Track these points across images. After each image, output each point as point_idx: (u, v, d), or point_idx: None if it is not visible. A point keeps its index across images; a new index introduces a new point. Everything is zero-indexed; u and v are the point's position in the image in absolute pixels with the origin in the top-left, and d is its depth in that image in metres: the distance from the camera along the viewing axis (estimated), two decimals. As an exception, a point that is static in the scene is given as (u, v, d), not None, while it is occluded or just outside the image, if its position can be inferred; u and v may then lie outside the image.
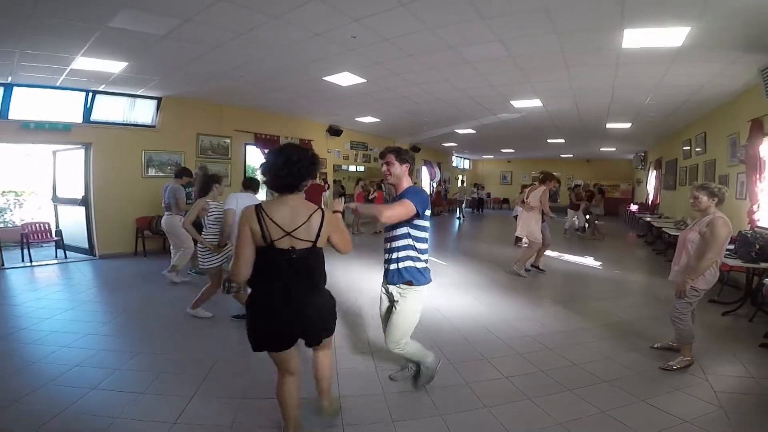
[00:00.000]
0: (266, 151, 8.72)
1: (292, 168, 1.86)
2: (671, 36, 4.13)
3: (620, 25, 3.90)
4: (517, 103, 7.67)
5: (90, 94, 6.57)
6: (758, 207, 5.78)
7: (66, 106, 6.48)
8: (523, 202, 6.38)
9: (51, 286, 5.12)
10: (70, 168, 7.12)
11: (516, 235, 6.91)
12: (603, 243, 10.08)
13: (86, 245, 6.84)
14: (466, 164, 21.28)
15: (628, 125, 9.50)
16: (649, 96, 6.78)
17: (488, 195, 20.45)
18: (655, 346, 3.51)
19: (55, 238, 6.82)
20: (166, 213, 5.47)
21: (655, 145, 12.70)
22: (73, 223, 7.01)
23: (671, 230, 7.49)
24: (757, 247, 4.34)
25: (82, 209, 6.86)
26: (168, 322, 3.89)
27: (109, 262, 6.45)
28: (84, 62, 5.12)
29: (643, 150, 14.43)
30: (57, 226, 7.20)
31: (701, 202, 3.09)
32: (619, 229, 13.19)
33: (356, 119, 9.69)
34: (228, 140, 8.29)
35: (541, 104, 7.67)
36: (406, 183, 2.48)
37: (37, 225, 6.76)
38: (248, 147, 8.81)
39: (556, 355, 3.36)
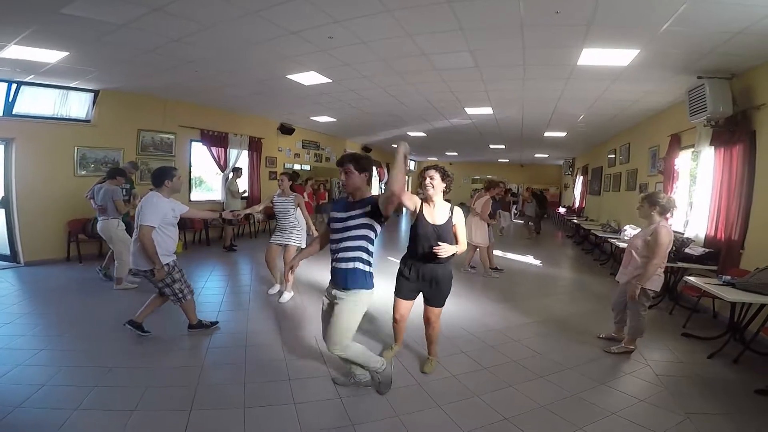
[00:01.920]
0: (212, 149, 8.35)
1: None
2: (621, 56, 4.61)
3: (582, 43, 4.31)
4: (471, 110, 8.09)
5: (13, 85, 5.82)
6: (671, 214, 6.70)
7: None
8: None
9: None
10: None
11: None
12: (538, 243, 10.97)
13: (7, 251, 5.98)
14: (411, 165, 21.82)
15: (563, 134, 10.43)
16: (582, 116, 7.49)
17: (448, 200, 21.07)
18: (601, 336, 3.93)
19: (-34, 244, 5.90)
20: (100, 217, 4.93)
21: (583, 153, 14.03)
22: (-11, 226, 6.11)
23: (599, 232, 8.38)
24: (674, 248, 4.98)
25: (1, 211, 6.01)
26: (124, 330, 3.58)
27: (39, 269, 5.72)
28: (16, 51, 4.54)
29: (571, 157, 15.89)
30: (-32, 229, 6.21)
31: (644, 210, 3.52)
32: (550, 230, 14.43)
33: (311, 118, 9.54)
34: (172, 137, 7.74)
35: (491, 111, 8.17)
36: (367, 192, 2.48)
37: (-59, 228, 5.80)
38: (194, 144, 8.31)
39: (523, 347, 3.69)
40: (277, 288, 4.96)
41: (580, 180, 13.83)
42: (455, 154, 17.06)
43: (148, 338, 3.44)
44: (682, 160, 6.45)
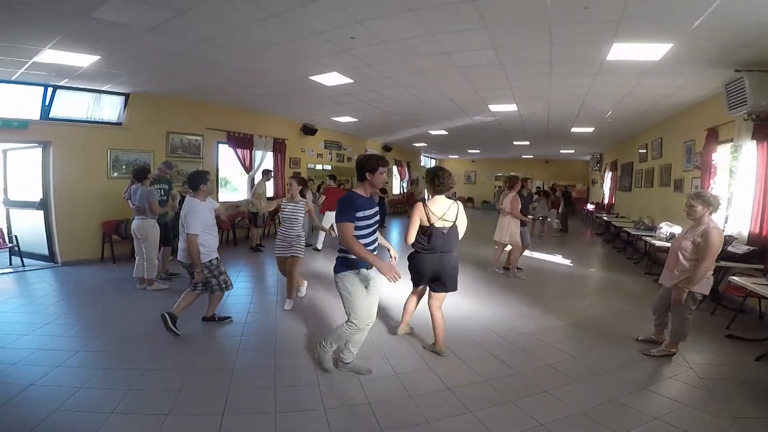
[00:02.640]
0: (238, 151, 8.48)
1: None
2: (653, 51, 4.43)
3: (612, 39, 4.15)
4: (495, 107, 7.94)
5: (49, 89, 6.05)
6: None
7: (21, 102, 5.92)
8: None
9: (17, 298, 4.67)
10: (24, 168, 6.53)
11: (494, 239, 6.44)
12: (566, 241, 10.67)
13: (46, 252, 6.26)
14: (432, 164, 21.65)
15: (591, 129, 10.10)
16: (610, 111, 7.21)
17: (454, 194, 20.84)
18: (639, 338, 3.76)
19: (9, 245, 6.19)
20: (137, 216, 4.99)
21: (611, 148, 13.57)
22: (29, 227, 6.39)
23: (631, 230, 8.09)
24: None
25: (40, 213, 6.27)
26: (161, 332, 3.65)
27: (76, 270, 5.96)
28: (50, 55, 4.72)
29: (599, 152, 15.41)
30: (9, 231, 6.53)
31: (696, 211, 3.21)
32: (578, 227, 14.01)
33: (333, 118, 9.59)
34: (200, 139, 7.92)
35: (516, 109, 7.99)
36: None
37: (-13, 230, 6.12)
38: (220, 146, 8.47)
39: (555, 350, 3.56)
40: (291, 304, 4.50)
41: (609, 176, 13.39)
42: (478, 151, 16.84)
43: (178, 340, 3.51)
44: (720, 155, 6.13)
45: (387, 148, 14.48)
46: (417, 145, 15.49)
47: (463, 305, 4.63)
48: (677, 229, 6.36)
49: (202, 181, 3.68)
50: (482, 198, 21.86)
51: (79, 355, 3.19)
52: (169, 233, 5.46)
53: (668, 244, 6.10)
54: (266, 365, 3.12)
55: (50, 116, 6.12)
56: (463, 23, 3.96)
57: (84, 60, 4.98)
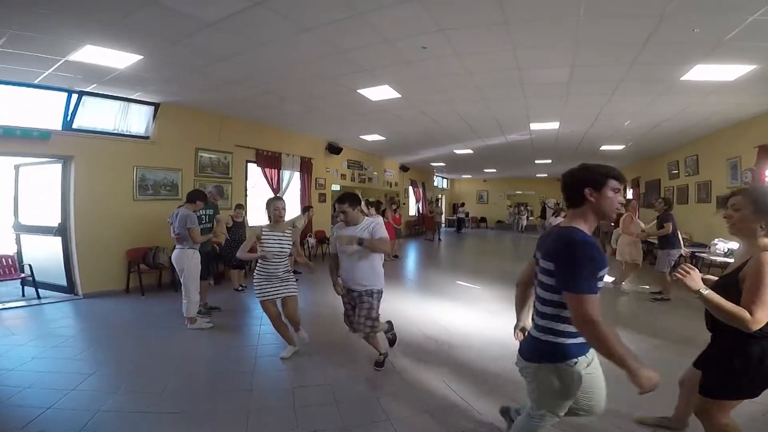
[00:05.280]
0: (266, 171, 8.01)
1: None
2: (732, 71, 4.29)
3: (699, 60, 3.96)
4: (535, 125, 7.69)
5: (74, 95, 5.44)
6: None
7: (41, 109, 5.28)
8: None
9: (37, 338, 3.97)
10: (39, 187, 5.92)
11: (617, 258, 6.69)
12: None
13: (64, 282, 5.64)
14: (445, 184, 21.42)
15: (620, 147, 9.90)
16: (628, 120, 7.05)
17: (467, 214, 20.60)
18: None
19: (22, 275, 5.58)
20: (178, 246, 4.38)
21: (631, 166, 13.44)
22: (45, 254, 5.76)
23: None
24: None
25: (58, 239, 5.68)
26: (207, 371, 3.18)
27: (100, 302, 5.34)
28: (89, 53, 4.15)
29: (616, 170, 15.24)
30: (20, 259, 5.89)
31: None
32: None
33: (361, 137, 9.23)
34: (229, 156, 7.46)
35: (557, 126, 7.74)
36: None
37: (-3, 259, 5.49)
38: (249, 166, 7.99)
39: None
40: (291, 350, 3.60)
41: (630, 193, 13.20)
42: (494, 170, 16.60)
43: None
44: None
45: (404, 168, 14.15)
46: (435, 164, 15.21)
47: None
48: (733, 245, 6.25)
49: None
50: (495, 218, 21.58)
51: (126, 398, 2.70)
52: (211, 264, 4.91)
53: (730, 260, 5.94)
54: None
55: (74, 126, 5.53)
56: (554, 39, 3.71)
57: (124, 60, 4.40)
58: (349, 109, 6.67)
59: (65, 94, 5.41)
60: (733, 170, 7.07)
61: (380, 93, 5.73)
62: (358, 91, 5.64)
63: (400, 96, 5.84)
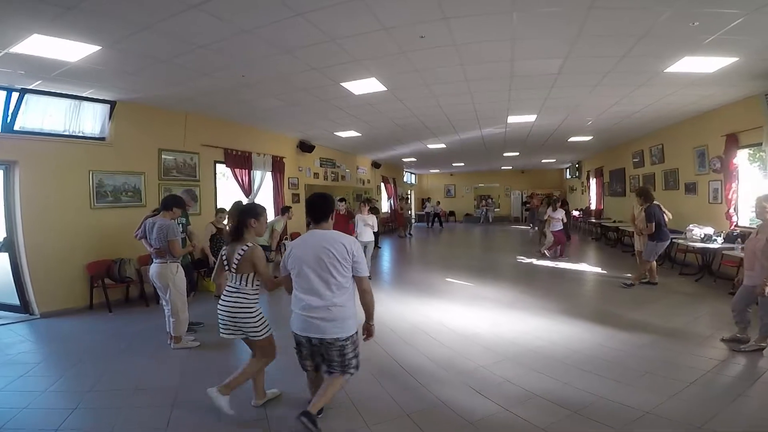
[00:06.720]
0: (236, 171, 7.50)
1: None
2: (714, 64, 4.41)
3: (687, 52, 4.04)
4: (513, 118, 7.70)
5: (14, 93, 4.78)
6: (735, 210, 6.52)
7: None
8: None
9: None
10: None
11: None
12: (578, 249, 10.64)
13: (16, 301, 4.93)
14: (413, 179, 21.34)
15: (588, 138, 10.21)
16: (590, 120, 7.23)
17: (439, 207, 20.55)
18: (724, 338, 3.76)
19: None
20: (157, 260, 3.85)
21: (593, 156, 13.97)
22: (-14, 274, 5.05)
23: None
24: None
25: (4, 255, 4.96)
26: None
27: (60, 322, 4.70)
28: (36, 43, 3.56)
29: (578, 160, 15.85)
30: (-43, 279, 5.10)
31: None
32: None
33: (336, 133, 8.85)
34: (195, 157, 6.87)
35: (533, 120, 7.80)
36: None
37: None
38: (218, 167, 7.42)
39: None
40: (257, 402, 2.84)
41: (594, 182, 13.76)
42: (462, 164, 16.71)
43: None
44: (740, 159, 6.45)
45: (376, 164, 13.90)
46: (406, 160, 15.06)
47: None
48: (708, 230, 6.47)
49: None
50: (464, 211, 21.84)
51: None
52: (193, 277, 4.45)
53: (710, 246, 6.16)
54: None
55: (15, 128, 4.86)
56: (555, 31, 3.64)
57: (78, 51, 3.80)
58: (329, 103, 6.33)
59: (4, 93, 4.77)
60: (701, 158, 7.33)
61: (365, 86, 5.44)
62: (342, 84, 5.32)
63: (385, 89, 5.58)
